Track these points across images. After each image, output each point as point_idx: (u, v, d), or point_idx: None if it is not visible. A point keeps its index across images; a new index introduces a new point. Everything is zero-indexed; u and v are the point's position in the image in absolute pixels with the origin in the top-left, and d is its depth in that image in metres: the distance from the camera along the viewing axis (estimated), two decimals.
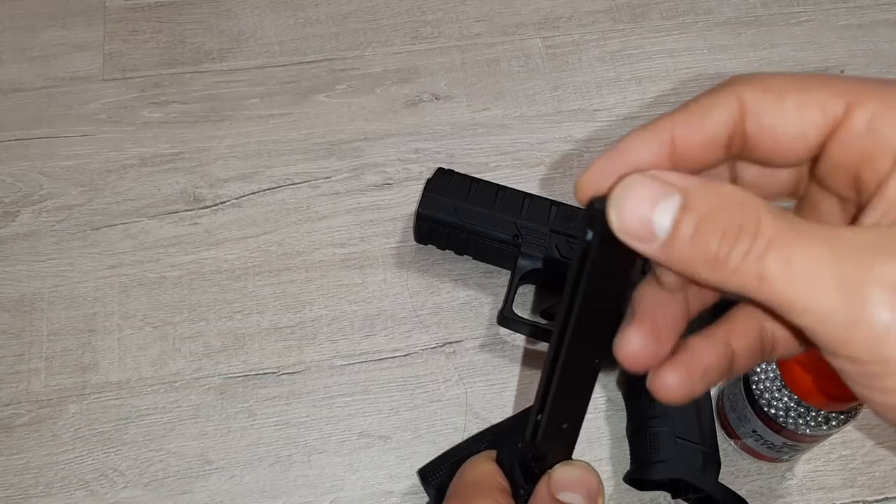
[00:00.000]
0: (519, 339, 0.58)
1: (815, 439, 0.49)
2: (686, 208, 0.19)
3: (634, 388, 0.54)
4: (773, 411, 0.48)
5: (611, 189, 0.20)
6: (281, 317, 0.59)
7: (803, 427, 0.48)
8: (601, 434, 0.55)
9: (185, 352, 0.57)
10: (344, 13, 0.73)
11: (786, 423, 0.48)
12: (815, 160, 0.22)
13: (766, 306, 0.19)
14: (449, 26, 0.72)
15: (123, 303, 0.59)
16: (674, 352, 0.23)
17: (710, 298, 0.24)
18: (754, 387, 0.49)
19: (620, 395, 0.56)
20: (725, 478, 0.53)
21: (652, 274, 0.24)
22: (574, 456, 0.28)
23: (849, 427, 0.54)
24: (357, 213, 0.63)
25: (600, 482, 0.27)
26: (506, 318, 0.55)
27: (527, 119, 0.68)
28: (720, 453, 0.51)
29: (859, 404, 0.47)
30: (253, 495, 0.53)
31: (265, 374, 0.57)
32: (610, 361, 0.23)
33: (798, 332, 0.24)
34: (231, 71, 0.70)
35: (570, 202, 0.58)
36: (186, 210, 0.63)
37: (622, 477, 0.53)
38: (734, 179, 0.24)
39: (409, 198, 0.63)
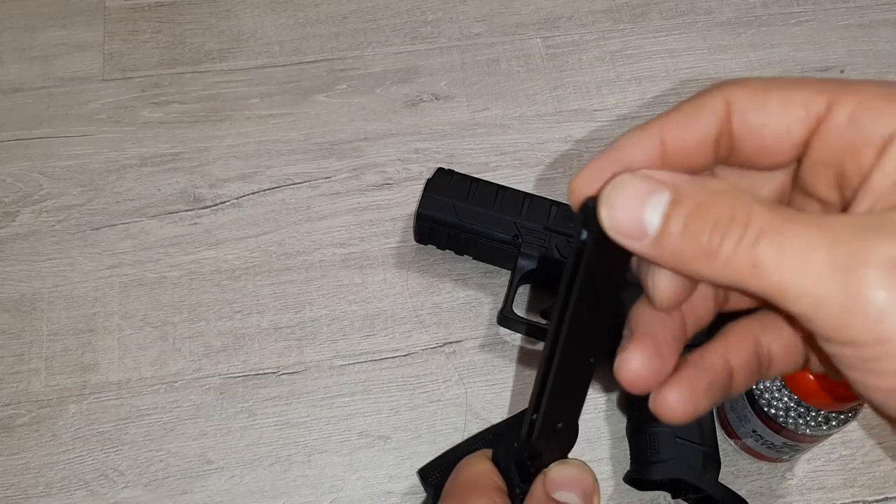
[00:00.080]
0: (519, 339, 0.58)
1: (815, 439, 0.49)
2: (675, 203, 0.19)
3: None
4: (773, 411, 0.48)
5: (601, 189, 0.20)
6: (281, 317, 0.59)
7: (803, 427, 0.48)
8: (601, 434, 0.55)
9: (185, 352, 0.57)
10: (344, 13, 0.73)
11: (786, 423, 0.48)
12: (799, 163, 0.23)
13: (760, 297, 0.19)
14: (449, 26, 0.72)
15: (123, 303, 0.59)
16: (673, 371, 0.23)
17: (704, 319, 0.24)
18: (754, 387, 0.49)
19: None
20: (725, 478, 0.53)
21: (645, 296, 0.23)
22: (574, 456, 0.28)
23: (849, 427, 0.54)
24: (357, 213, 0.63)
25: (596, 481, 0.27)
26: (506, 318, 0.55)
27: (527, 119, 0.68)
28: (720, 453, 0.51)
29: (859, 404, 0.47)
30: (253, 495, 0.53)
31: (265, 374, 0.57)
32: (605, 359, 0.23)
33: (795, 336, 0.24)
34: (231, 71, 0.70)
35: (570, 202, 0.58)
36: (186, 210, 0.63)
37: (622, 477, 0.53)
38: None
39: (409, 198, 0.63)
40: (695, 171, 0.23)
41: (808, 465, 0.54)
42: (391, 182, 0.64)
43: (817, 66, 0.71)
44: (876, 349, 0.18)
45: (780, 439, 0.50)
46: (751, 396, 0.49)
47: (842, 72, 0.70)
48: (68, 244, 0.61)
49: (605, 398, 0.56)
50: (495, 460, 0.30)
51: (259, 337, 0.58)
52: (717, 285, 0.19)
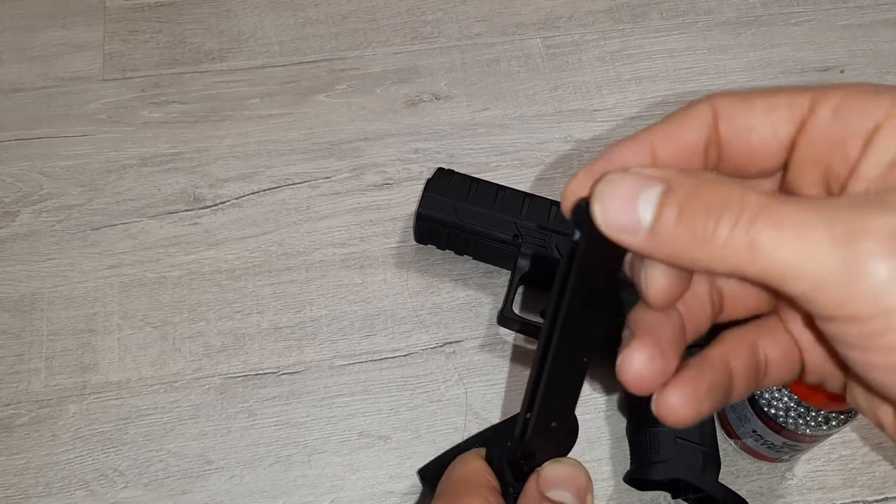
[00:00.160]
0: (519, 339, 0.58)
1: (815, 439, 0.49)
2: (668, 193, 0.20)
3: None
4: (773, 411, 0.48)
5: (593, 187, 0.20)
6: (281, 317, 0.59)
7: (803, 427, 0.48)
8: (601, 434, 0.55)
9: (185, 352, 0.57)
10: (344, 13, 0.73)
11: (786, 423, 0.48)
12: (785, 170, 0.23)
13: (759, 281, 0.19)
14: (449, 26, 0.72)
15: (123, 303, 0.59)
16: (674, 374, 0.23)
17: (702, 325, 0.24)
18: None
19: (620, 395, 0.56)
20: (725, 478, 0.53)
21: (641, 300, 0.23)
22: (574, 456, 0.28)
23: (849, 427, 0.54)
24: (357, 213, 0.63)
25: (589, 480, 0.27)
26: (506, 318, 0.55)
27: (527, 119, 0.68)
28: (720, 453, 0.51)
29: None
30: (253, 495, 0.53)
31: (265, 374, 0.57)
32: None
33: (792, 343, 0.24)
34: (231, 71, 0.70)
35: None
36: (186, 210, 0.63)
37: (622, 477, 0.53)
38: None
39: (409, 198, 0.63)
40: None
41: (808, 465, 0.54)
42: (391, 182, 0.64)
43: (817, 66, 0.71)
44: (879, 323, 0.18)
45: (780, 439, 0.50)
46: (751, 396, 0.49)
47: (842, 72, 0.70)
48: (68, 244, 0.61)
49: (605, 398, 0.56)
50: (489, 459, 0.30)
51: (259, 337, 0.58)
52: (714, 274, 0.19)
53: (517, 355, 0.58)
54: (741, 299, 0.24)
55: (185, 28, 0.72)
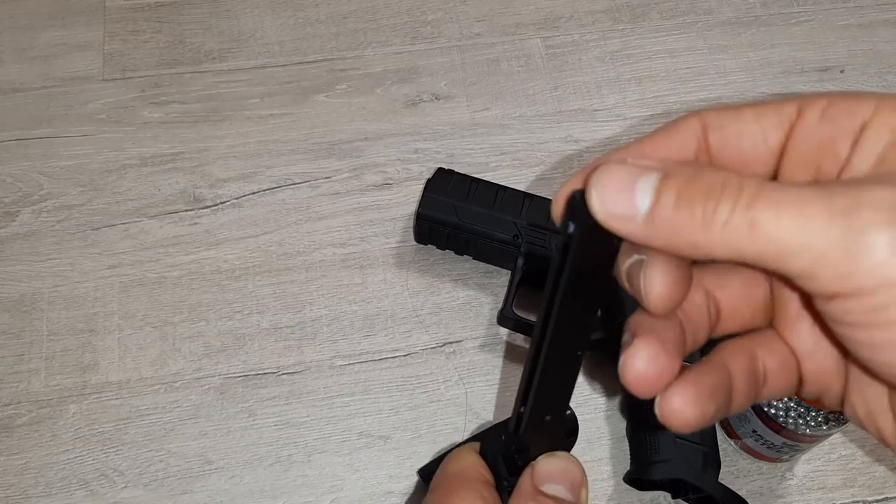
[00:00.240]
0: (519, 339, 0.58)
1: (815, 439, 0.49)
2: (665, 178, 0.19)
3: None
4: (773, 411, 0.48)
5: (589, 175, 0.20)
6: (281, 317, 0.59)
7: (803, 427, 0.48)
8: (601, 434, 0.55)
9: (185, 352, 0.57)
10: (344, 13, 0.73)
11: (786, 423, 0.48)
12: (776, 175, 0.23)
13: (758, 264, 0.19)
14: (449, 26, 0.72)
15: (123, 303, 0.59)
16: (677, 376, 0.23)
17: (701, 334, 0.24)
18: None
19: (621, 395, 0.56)
20: (725, 478, 0.53)
21: (640, 307, 0.23)
22: (574, 456, 0.28)
23: (849, 427, 0.54)
24: (357, 213, 0.63)
25: (584, 474, 0.27)
26: (506, 318, 0.55)
27: (527, 119, 0.68)
28: (720, 453, 0.51)
29: None
30: (253, 495, 0.53)
31: (265, 374, 0.57)
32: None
33: (789, 353, 0.24)
34: (231, 71, 0.70)
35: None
36: (186, 210, 0.63)
37: (622, 477, 0.53)
38: None
39: (409, 198, 0.63)
40: None
41: (808, 465, 0.54)
42: (391, 182, 0.64)
43: (817, 66, 0.71)
44: (882, 295, 0.17)
45: (780, 439, 0.50)
46: None
47: (842, 72, 0.70)
48: (68, 244, 0.61)
49: (605, 398, 0.56)
50: (483, 453, 0.30)
51: (259, 337, 0.58)
52: (713, 258, 0.19)
53: (517, 355, 0.58)
54: (738, 310, 0.24)
55: (185, 28, 0.72)
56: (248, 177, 0.64)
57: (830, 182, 0.19)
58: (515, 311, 0.56)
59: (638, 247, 0.21)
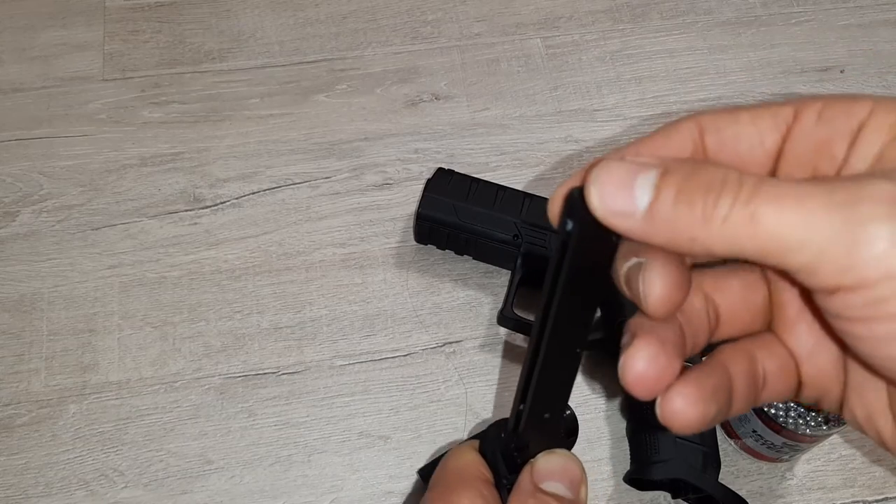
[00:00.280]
0: (519, 339, 0.58)
1: (815, 439, 0.49)
2: (665, 174, 0.19)
3: None
4: (773, 411, 0.48)
5: (587, 173, 0.20)
6: (281, 317, 0.59)
7: (803, 427, 0.48)
8: (601, 434, 0.55)
9: (185, 352, 0.57)
10: (344, 13, 0.73)
11: (786, 423, 0.48)
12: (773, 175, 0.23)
13: (759, 259, 0.19)
14: (449, 26, 0.72)
15: (123, 303, 0.59)
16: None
17: (700, 338, 0.24)
18: None
19: (621, 395, 0.56)
20: (725, 478, 0.53)
21: (639, 311, 0.23)
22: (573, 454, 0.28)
23: (848, 427, 0.54)
24: (357, 213, 0.63)
25: (583, 471, 0.27)
26: (506, 318, 0.55)
27: (527, 119, 0.68)
28: (720, 453, 0.51)
29: None
30: (253, 495, 0.53)
31: (265, 374, 0.57)
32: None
33: (789, 357, 0.24)
34: (231, 71, 0.70)
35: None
36: (186, 210, 0.63)
37: (622, 477, 0.53)
38: None
39: (409, 198, 0.63)
40: None
41: (808, 465, 0.54)
42: (391, 182, 0.64)
43: (817, 66, 0.71)
44: (883, 288, 0.17)
45: (780, 439, 0.50)
46: None
47: (842, 72, 0.70)
48: (68, 244, 0.61)
49: (605, 398, 0.56)
50: (482, 451, 0.30)
51: (259, 337, 0.58)
52: (713, 255, 0.19)
53: (517, 355, 0.58)
54: (738, 314, 0.24)
55: (185, 28, 0.72)
56: (248, 177, 0.64)
57: (830, 177, 0.19)
58: (515, 311, 0.56)
59: (636, 249, 0.21)
